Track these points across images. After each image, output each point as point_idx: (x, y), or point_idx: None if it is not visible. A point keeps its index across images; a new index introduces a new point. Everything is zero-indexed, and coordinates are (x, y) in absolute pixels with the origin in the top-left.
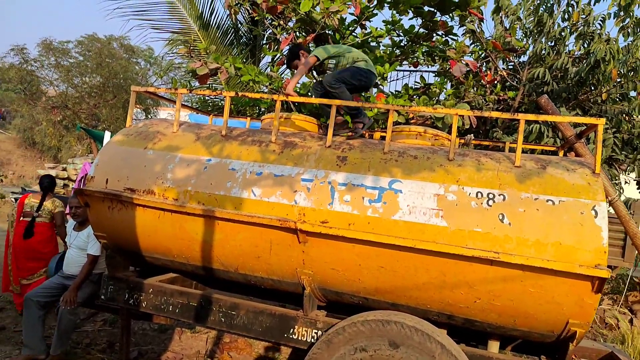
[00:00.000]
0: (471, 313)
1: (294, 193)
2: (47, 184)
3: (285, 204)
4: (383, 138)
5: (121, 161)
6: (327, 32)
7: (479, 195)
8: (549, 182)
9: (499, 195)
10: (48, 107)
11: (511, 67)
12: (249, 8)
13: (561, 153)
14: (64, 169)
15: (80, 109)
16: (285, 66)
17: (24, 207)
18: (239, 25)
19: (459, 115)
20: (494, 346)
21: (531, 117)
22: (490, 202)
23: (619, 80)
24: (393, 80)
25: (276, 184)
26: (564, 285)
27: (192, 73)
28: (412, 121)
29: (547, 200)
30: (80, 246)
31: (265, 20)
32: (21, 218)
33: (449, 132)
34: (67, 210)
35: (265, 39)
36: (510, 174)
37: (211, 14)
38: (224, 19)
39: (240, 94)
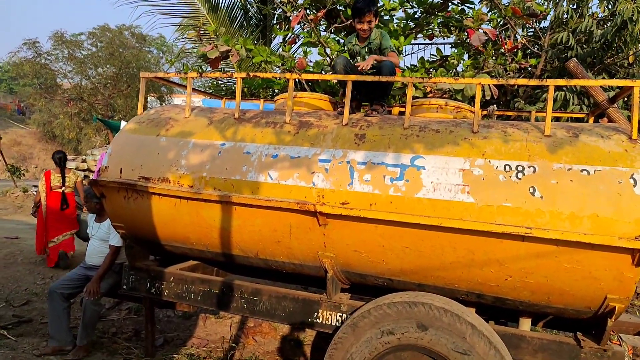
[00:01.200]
0: (502, 291)
1: (312, 174)
2: (61, 158)
3: (303, 186)
4: (402, 114)
5: (134, 150)
6: (338, 7)
7: (507, 168)
8: (582, 151)
9: (529, 167)
10: (64, 100)
11: (532, 33)
12: None
13: (591, 120)
14: (84, 161)
15: (96, 100)
16: (295, 45)
17: (52, 181)
18: (248, 5)
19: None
20: (525, 324)
21: (562, 82)
22: (520, 175)
23: None
24: (408, 54)
25: (293, 166)
26: (602, 260)
27: (203, 57)
28: (430, 95)
29: (582, 170)
30: (102, 237)
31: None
32: (51, 190)
33: (470, 104)
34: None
35: (275, 18)
36: (540, 144)
37: None
38: (233, 0)
39: (252, 74)
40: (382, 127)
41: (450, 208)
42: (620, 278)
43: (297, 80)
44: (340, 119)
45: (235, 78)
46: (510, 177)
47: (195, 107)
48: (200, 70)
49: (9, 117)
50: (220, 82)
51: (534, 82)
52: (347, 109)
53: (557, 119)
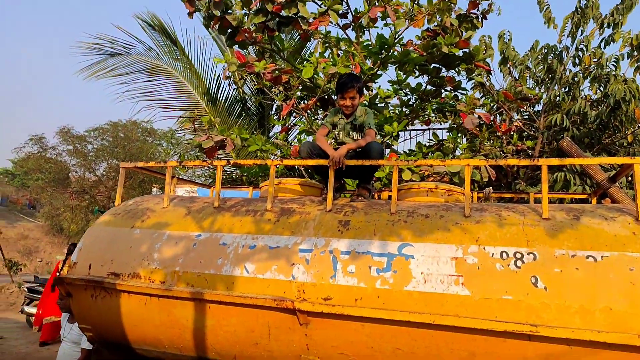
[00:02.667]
0: None
1: (292, 266)
2: (71, 249)
3: (282, 279)
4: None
5: (106, 243)
6: (329, 93)
7: (504, 255)
8: (585, 235)
9: (528, 254)
10: (66, 194)
11: (526, 117)
12: (254, 79)
13: (594, 201)
14: None
15: (98, 192)
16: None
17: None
18: (246, 97)
19: (476, 169)
20: None
21: (555, 161)
22: (519, 263)
23: None
24: (406, 139)
25: (271, 257)
26: None
27: (199, 147)
28: (429, 180)
29: (587, 257)
30: (74, 339)
31: (267, 90)
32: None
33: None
34: None
35: (273, 108)
36: (539, 227)
37: (218, 88)
38: (231, 93)
39: (231, 162)
40: (367, 213)
41: (443, 302)
42: None
43: (296, 167)
44: (324, 205)
45: (216, 166)
46: (509, 265)
47: (176, 196)
48: (180, 159)
49: (20, 211)
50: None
51: (524, 162)
52: (330, 194)
53: (560, 201)
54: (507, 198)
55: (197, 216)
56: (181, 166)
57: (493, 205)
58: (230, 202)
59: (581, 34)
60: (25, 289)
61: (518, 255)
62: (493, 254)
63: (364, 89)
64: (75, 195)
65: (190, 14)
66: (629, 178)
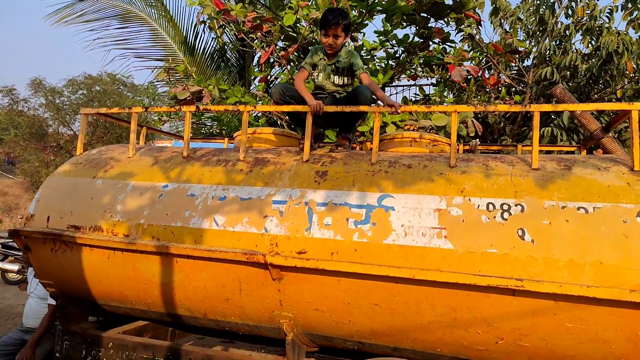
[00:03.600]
0: (494, 357)
1: (264, 219)
2: None
3: (254, 232)
4: None
5: (65, 194)
6: (312, 42)
7: (491, 207)
8: (577, 186)
9: (516, 205)
10: (39, 148)
11: (515, 71)
12: (234, 27)
13: (584, 152)
14: None
15: (73, 147)
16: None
17: None
18: (225, 47)
19: (462, 123)
20: None
21: (548, 107)
22: (506, 215)
23: (633, 74)
24: (392, 94)
25: (243, 209)
26: (611, 317)
27: (175, 99)
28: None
29: (579, 208)
30: (40, 295)
31: (247, 39)
32: None
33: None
34: None
35: (255, 59)
36: (528, 178)
37: (196, 37)
38: (209, 42)
39: (202, 107)
40: (346, 163)
41: (425, 256)
42: (635, 340)
43: (274, 118)
44: (301, 155)
45: (184, 112)
46: (495, 217)
47: (142, 146)
48: (144, 105)
49: (19, 168)
50: (197, 123)
51: (516, 108)
52: (307, 143)
53: (549, 153)
54: (494, 151)
55: (164, 166)
56: (146, 112)
57: (480, 156)
58: (200, 152)
59: None
60: (0, 245)
61: (505, 207)
62: (479, 205)
63: (351, 39)
64: (50, 150)
65: None
66: (617, 133)
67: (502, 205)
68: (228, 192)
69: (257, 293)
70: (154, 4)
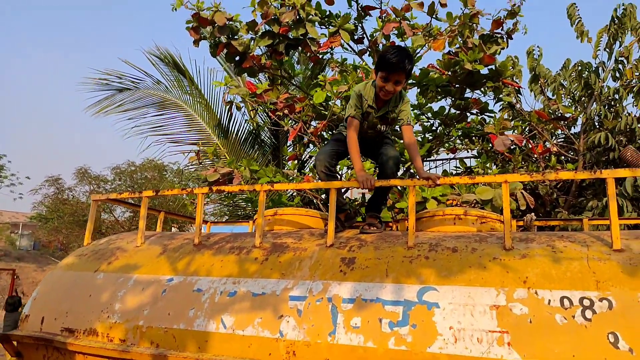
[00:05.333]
0: None
1: (279, 319)
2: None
3: (267, 337)
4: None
5: (64, 291)
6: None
7: (566, 302)
8: None
9: (601, 300)
10: (81, 235)
11: (562, 139)
12: (266, 109)
13: None
14: None
15: (113, 232)
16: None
17: None
18: (259, 128)
19: (512, 197)
20: None
21: (624, 172)
22: (589, 314)
23: None
24: (431, 169)
25: (255, 307)
26: None
27: (205, 181)
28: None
29: None
30: None
31: (278, 120)
32: None
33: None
34: None
35: (287, 139)
36: (610, 262)
37: (229, 120)
38: (243, 124)
39: (214, 189)
40: (378, 248)
41: None
42: None
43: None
44: (325, 239)
45: (197, 194)
46: (574, 317)
47: (155, 233)
48: (153, 188)
49: (51, 254)
50: (232, 205)
51: (583, 175)
52: (331, 224)
53: (627, 227)
54: (552, 227)
55: (172, 256)
56: (156, 195)
57: (541, 234)
58: (214, 238)
59: (619, 46)
60: None
61: (586, 303)
62: (550, 300)
63: None
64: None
65: (196, 42)
66: None
67: (581, 300)
68: (239, 286)
69: None
70: (189, 90)
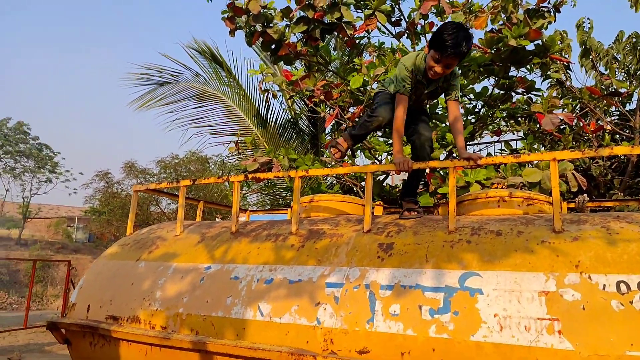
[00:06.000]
0: None
1: (316, 307)
2: None
3: (304, 324)
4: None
5: (107, 280)
6: None
7: (623, 287)
8: None
9: None
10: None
11: (617, 116)
12: (304, 97)
13: None
14: None
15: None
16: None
17: None
18: (296, 116)
19: (561, 177)
20: None
21: None
22: None
23: None
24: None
25: (291, 294)
26: None
27: (245, 171)
28: None
29: None
30: None
31: (315, 108)
32: None
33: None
34: None
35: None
36: None
37: (267, 109)
38: (281, 113)
39: (250, 176)
40: (417, 233)
41: None
42: None
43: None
44: (362, 225)
45: (233, 182)
46: (631, 302)
47: (194, 222)
48: (193, 178)
49: (105, 245)
50: (273, 195)
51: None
52: (367, 209)
53: None
54: (607, 209)
55: (209, 244)
56: (193, 184)
57: (594, 215)
58: (251, 226)
59: None
60: None
61: None
62: (605, 285)
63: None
64: (139, 229)
65: (232, 32)
66: None
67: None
68: (275, 273)
69: None
70: (227, 81)
